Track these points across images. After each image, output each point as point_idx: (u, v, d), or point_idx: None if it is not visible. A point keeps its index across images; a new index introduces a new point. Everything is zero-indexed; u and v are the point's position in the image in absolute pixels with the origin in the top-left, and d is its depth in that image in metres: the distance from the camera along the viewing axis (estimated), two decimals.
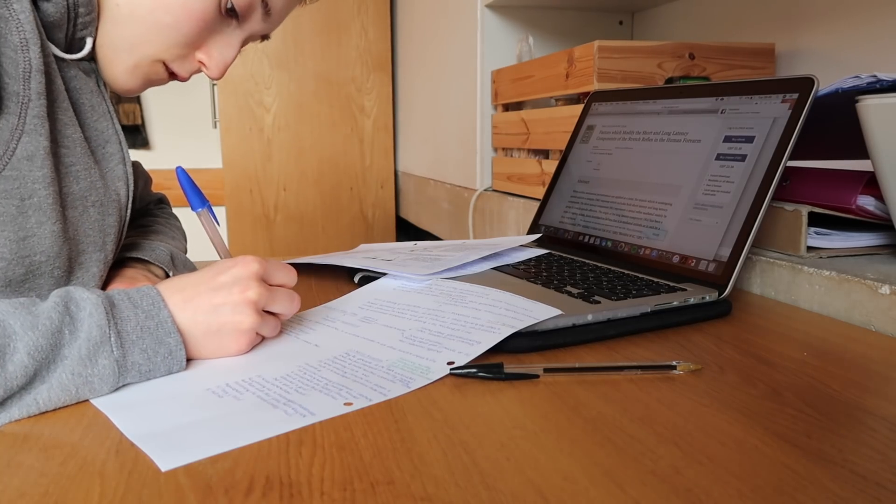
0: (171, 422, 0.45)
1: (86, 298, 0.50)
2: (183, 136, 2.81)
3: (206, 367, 0.55)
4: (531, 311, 0.60)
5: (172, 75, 0.68)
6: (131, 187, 0.69)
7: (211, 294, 0.54)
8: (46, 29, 0.59)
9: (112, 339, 0.49)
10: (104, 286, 0.69)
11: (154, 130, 2.81)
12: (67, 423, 0.45)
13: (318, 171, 2.37)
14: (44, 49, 0.57)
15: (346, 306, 0.70)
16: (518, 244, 0.88)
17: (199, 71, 0.69)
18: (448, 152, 1.74)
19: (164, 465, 0.40)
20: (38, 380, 0.46)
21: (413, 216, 2.20)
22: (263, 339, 0.59)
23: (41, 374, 0.47)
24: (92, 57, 0.65)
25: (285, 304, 0.58)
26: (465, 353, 0.54)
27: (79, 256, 0.62)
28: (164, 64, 0.66)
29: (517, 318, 0.58)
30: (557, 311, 0.59)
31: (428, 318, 0.63)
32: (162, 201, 0.98)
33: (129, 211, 0.69)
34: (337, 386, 0.50)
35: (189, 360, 0.54)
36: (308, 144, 2.35)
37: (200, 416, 0.46)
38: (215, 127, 2.39)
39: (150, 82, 0.67)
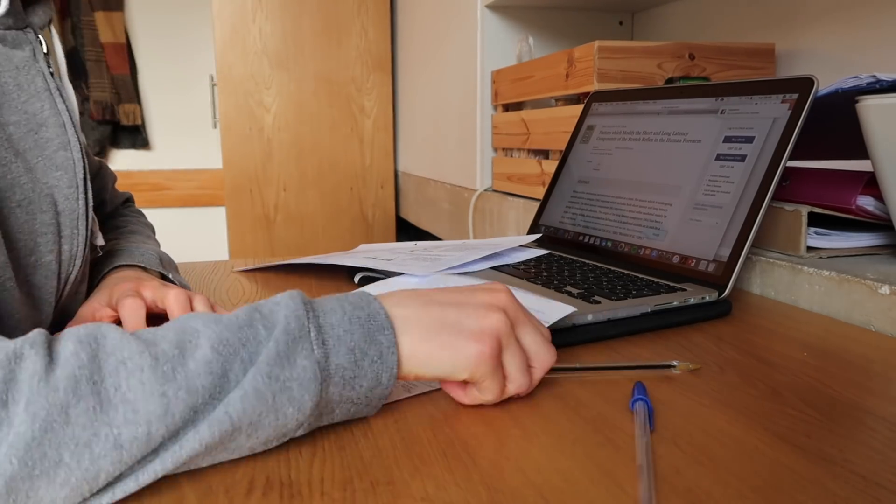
0: None
1: (273, 301, 0.41)
2: (183, 136, 2.81)
3: None
4: (543, 311, 0.59)
5: None
6: (80, 174, 0.60)
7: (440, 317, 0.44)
8: None
9: (312, 333, 0.40)
10: (87, 293, 0.65)
11: (154, 130, 2.81)
12: None
13: (318, 172, 2.37)
14: None
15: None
16: (518, 244, 0.87)
17: None
18: (448, 152, 1.74)
19: None
20: (229, 382, 0.37)
21: (413, 216, 2.20)
22: None
23: (231, 374, 0.37)
24: (25, 26, 0.59)
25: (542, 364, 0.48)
26: None
27: (13, 264, 0.55)
28: None
29: None
30: (571, 309, 0.59)
31: None
32: (129, 200, 0.91)
33: (81, 202, 0.61)
34: None
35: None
36: (308, 144, 2.35)
37: None
38: (215, 127, 2.39)
39: None
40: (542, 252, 0.87)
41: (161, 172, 2.82)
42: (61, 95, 0.61)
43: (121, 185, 0.90)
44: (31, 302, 0.58)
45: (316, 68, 2.32)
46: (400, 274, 0.74)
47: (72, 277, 0.63)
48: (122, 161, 2.77)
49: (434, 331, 0.43)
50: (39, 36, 0.61)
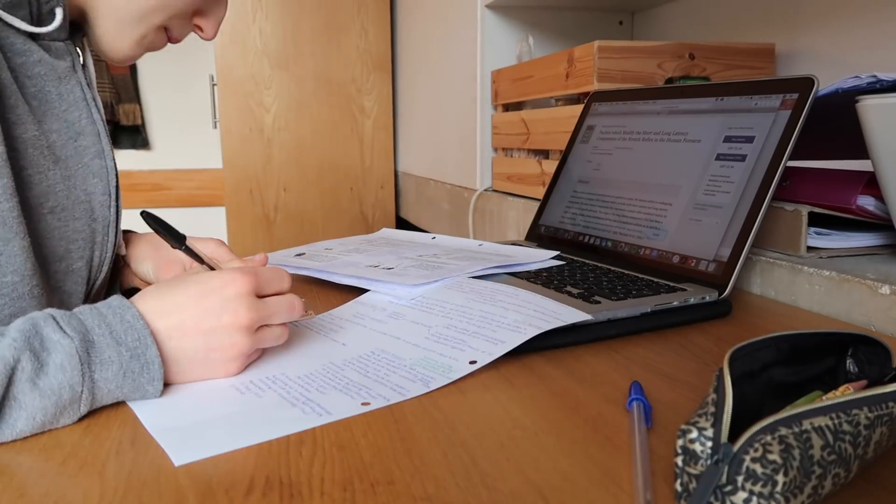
0: (191, 417, 0.46)
1: (56, 343, 0.44)
2: (183, 136, 2.81)
3: None
4: (560, 314, 0.60)
5: (170, 40, 0.66)
6: (112, 181, 0.63)
7: (198, 319, 0.49)
8: (7, 10, 0.54)
9: (84, 395, 0.44)
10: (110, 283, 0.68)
11: (154, 130, 2.81)
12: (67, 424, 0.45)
13: (318, 172, 2.37)
14: None
15: (375, 301, 0.71)
16: (535, 259, 0.83)
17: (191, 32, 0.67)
18: (448, 152, 1.74)
19: (178, 459, 0.40)
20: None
21: (413, 216, 2.20)
22: (263, 351, 0.56)
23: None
24: (67, 37, 0.61)
25: (284, 314, 0.54)
26: (489, 353, 0.54)
27: (43, 271, 0.56)
28: (165, 30, 0.64)
29: (545, 319, 0.58)
30: (587, 316, 0.59)
31: (455, 314, 0.63)
32: None
33: (113, 209, 0.64)
34: (357, 385, 0.50)
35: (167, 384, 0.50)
36: (308, 144, 2.35)
37: (220, 413, 0.46)
38: (215, 127, 2.39)
39: (152, 48, 0.65)
40: (555, 263, 0.82)
41: (161, 172, 2.82)
42: (96, 105, 0.63)
43: (121, 185, 0.91)
44: (60, 307, 0.57)
45: (316, 68, 2.32)
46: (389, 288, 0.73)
47: (98, 283, 0.64)
48: (122, 161, 2.76)
49: (196, 365, 0.50)
50: (77, 47, 0.63)
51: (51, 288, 0.57)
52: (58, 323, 0.45)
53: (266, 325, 0.53)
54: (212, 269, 0.59)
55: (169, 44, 0.66)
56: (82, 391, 0.44)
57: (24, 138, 0.54)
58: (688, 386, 0.50)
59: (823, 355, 0.43)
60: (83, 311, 0.48)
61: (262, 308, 0.52)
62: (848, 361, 0.44)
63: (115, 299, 0.49)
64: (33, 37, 0.56)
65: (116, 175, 0.64)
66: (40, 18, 0.57)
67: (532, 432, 0.43)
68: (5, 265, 0.52)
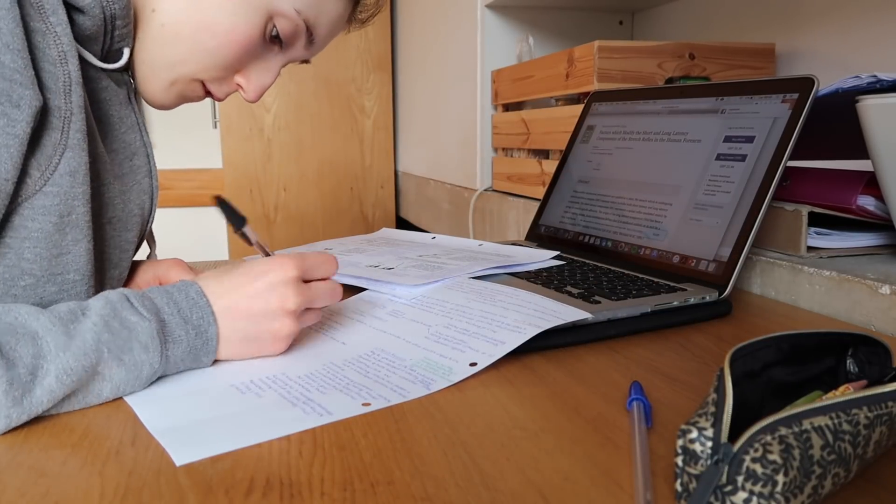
0: (191, 417, 0.46)
1: (136, 325, 0.49)
2: (183, 136, 2.81)
3: (232, 362, 0.56)
4: (560, 312, 0.60)
5: (208, 94, 0.68)
6: (156, 200, 0.69)
7: (249, 301, 0.54)
8: (83, 42, 0.58)
9: (157, 370, 0.51)
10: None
11: (154, 130, 2.80)
12: (68, 424, 0.45)
13: (318, 172, 2.37)
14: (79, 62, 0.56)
15: (375, 298, 0.71)
16: (535, 259, 0.83)
17: (234, 91, 0.69)
18: (448, 152, 1.74)
19: (180, 459, 0.40)
20: (68, 397, 0.47)
21: (413, 216, 2.20)
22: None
23: (72, 394, 0.47)
24: (125, 68, 0.65)
25: (326, 299, 0.58)
26: (489, 354, 0.54)
27: (99, 275, 0.62)
28: (202, 83, 0.66)
29: (544, 318, 0.58)
30: (587, 315, 0.59)
31: (455, 314, 0.63)
32: None
33: (150, 224, 0.70)
34: (357, 386, 0.50)
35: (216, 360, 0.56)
36: (308, 144, 2.35)
37: (220, 413, 0.46)
38: (215, 127, 2.39)
39: (186, 99, 0.68)
40: (555, 263, 0.82)
41: (161, 172, 2.80)
42: (146, 129, 0.69)
43: None
44: None
45: (316, 68, 2.32)
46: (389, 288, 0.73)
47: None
48: None
49: (246, 343, 0.55)
50: (131, 77, 0.67)
51: (99, 291, 0.62)
52: (132, 304, 0.51)
53: (309, 309, 0.58)
54: (266, 254, 0.62)
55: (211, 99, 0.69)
56: (158, 368, 0.50)
57: (95, 153, 0.59)
58: (688, 386, 0.50)
59: (823, 355, 0.43)
60: (152, 291, 0.53)
61: (306, 292, 0.56)
62: (848, 361, 0.44)
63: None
64: None
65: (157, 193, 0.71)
66: (108, 54, 0.61)
67: (532, 432, 0.43)
68: (71, 264, 0.56)
